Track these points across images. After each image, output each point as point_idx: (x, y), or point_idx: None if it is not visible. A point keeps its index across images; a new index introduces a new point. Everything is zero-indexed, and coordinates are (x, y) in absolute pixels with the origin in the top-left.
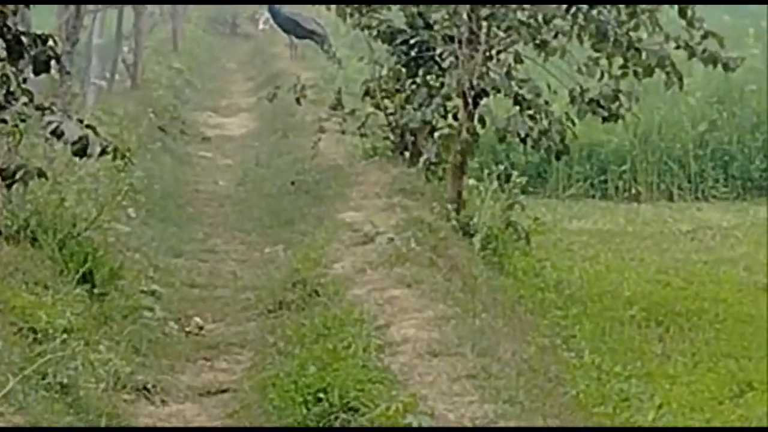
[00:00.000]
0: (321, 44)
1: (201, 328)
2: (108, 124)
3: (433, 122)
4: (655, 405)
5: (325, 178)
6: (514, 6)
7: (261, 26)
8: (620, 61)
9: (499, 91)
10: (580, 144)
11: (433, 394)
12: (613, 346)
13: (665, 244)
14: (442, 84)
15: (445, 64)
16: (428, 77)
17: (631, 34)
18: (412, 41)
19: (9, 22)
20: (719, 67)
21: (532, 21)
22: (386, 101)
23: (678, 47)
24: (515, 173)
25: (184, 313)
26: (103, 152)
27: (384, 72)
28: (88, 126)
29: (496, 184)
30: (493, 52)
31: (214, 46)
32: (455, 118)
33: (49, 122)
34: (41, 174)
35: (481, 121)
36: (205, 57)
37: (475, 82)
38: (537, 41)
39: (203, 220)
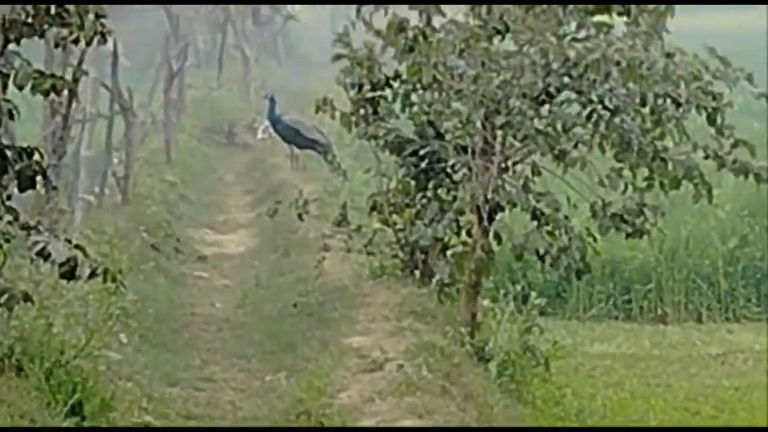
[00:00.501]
0: (324, 155)
1: None
2: (97, 243)
3: (446, 239)
4: None
5: (329, 300)
6: (530, 114)
7: (260, 135)
8: (645, 172)
9: (515, 206)
10: (602, 261)
11: None
12: None
13: (694, 369)
14: (455, 198)
15: (457, 177)
16: (440, 190)
17: (657, 143)
18: (422, 152)
19: None
20: (750, 177)
21: (550, 130)
22: (395, 216)
23: (707, 157)
24: (533, 293)
25: None
26: (93, 274)
27: (392, 185)
28: (76, 246)
29: (512, 305)
30: (509, 163)
31: (209, 156)
32: (469, 234)
33: (35, 242)
34: (27, 298)
35: (497, 237)
36: (201, 168)
37: (489, 196)
38: (556, 151)
39: (200, 346)
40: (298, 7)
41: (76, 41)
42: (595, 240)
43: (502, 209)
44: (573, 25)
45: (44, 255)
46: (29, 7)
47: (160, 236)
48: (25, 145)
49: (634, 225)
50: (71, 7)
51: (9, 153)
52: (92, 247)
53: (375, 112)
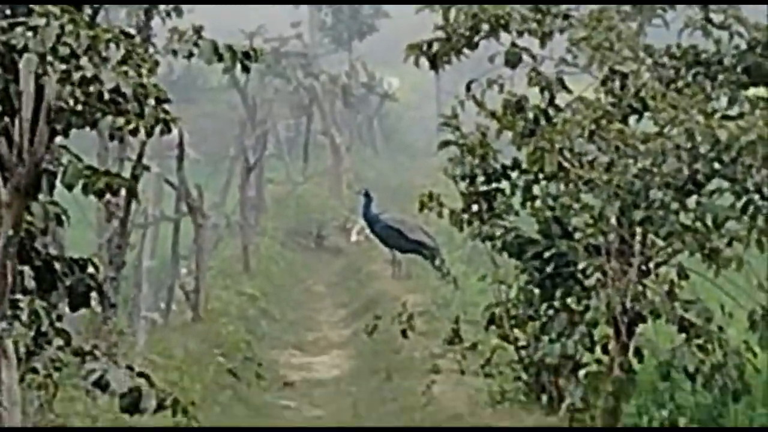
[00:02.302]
0: (431, 259)
1: None
2: (165, 368)
3: (577, 357)
4: None
5: None
6: (674, 207)
7: (354, 238)
8: None
9: (659, 316)
10: (765, 380)
11: None
12: None
13: None
14: (587, 307)
15: (589, 283)
16: (569, 299)
17: None
18: (546, 254)
19: (38, 244)
20: None
21: (698, 225)
22: (516, 331)
23: None
24: (683, 419)
25: None
26: (160, 407)
27: (512, 294)
28: (139, 374)
29: None
30: (651, 265)
31: (295, 264)
32: (605, 350)
33: (91, 370)
34: None
35: (638, 353)
36: (285, 279)
37: (628, 305)
38: (706, 250)
39: None
40: (396, 84)
41: (134, 132)
42: (755, 355)
43: (644, 320)
44: (723, 101)
45: (102, 385)
46: (78, 93)
47: (238, 360)
48: (76, 255)
49: None
50: (128, 92)
51: (58, 265)
52: (158, 374)
53: (490, 208)
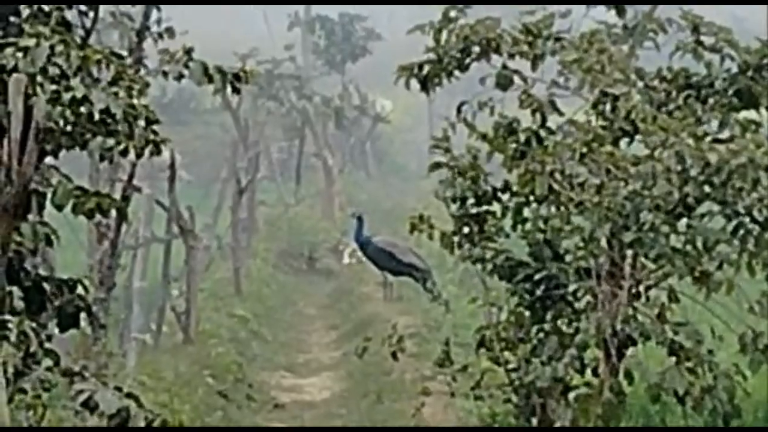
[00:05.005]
0: (423, 282)
1: None
2: (155, 390)
3: (567, 379)
4: None
5: None
6: (665, 229)
7: (346, 260)
8: None
9: (649, 338)
10: (755, 403)
11: None
12: None
13: None
14: (577, 330)
15: (580, 305)
16: (559, 322)
17: None
18: (537, 277)
19: (27, 265)
20: None
21: (689, 248)
22: (506, 354)
23: None
24: None
25: None
26: (149, 428)
27: (503, 316)
28: (128, 395)
29: None
30: (641, 288)
31: (287, 286)
32: (595, 373)
33: (80, 391)
34: None
35: (628, 376)
36: (276, 301)
37: (618, 327)
38: (696, 273)
39: None
40: (389, 107)
41: (124, 153)
42: (745, 378)
43: (634, 343)
44: (714, 124)
45: (91, 406)
46: (68, 114)
47: (228, 381)
48: (66, 276)
49: None
50: (118, 113)
51: (47, 286)
52: (148, 396)
53: (481, 231)
